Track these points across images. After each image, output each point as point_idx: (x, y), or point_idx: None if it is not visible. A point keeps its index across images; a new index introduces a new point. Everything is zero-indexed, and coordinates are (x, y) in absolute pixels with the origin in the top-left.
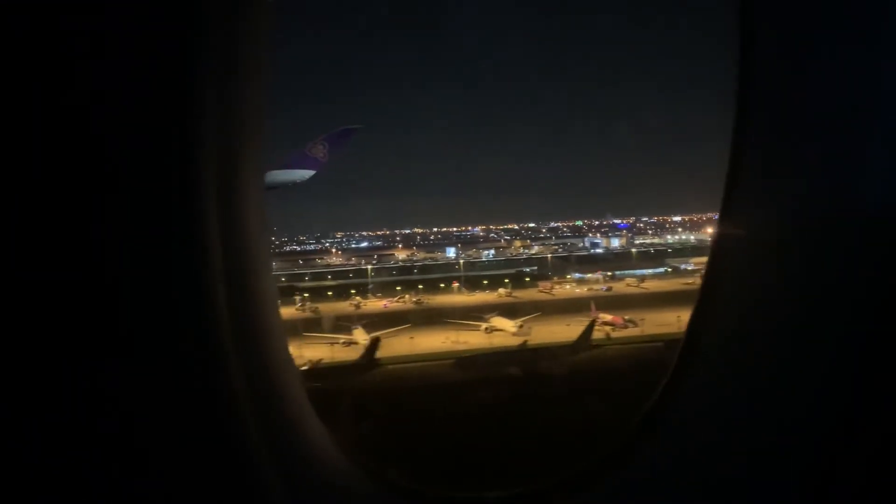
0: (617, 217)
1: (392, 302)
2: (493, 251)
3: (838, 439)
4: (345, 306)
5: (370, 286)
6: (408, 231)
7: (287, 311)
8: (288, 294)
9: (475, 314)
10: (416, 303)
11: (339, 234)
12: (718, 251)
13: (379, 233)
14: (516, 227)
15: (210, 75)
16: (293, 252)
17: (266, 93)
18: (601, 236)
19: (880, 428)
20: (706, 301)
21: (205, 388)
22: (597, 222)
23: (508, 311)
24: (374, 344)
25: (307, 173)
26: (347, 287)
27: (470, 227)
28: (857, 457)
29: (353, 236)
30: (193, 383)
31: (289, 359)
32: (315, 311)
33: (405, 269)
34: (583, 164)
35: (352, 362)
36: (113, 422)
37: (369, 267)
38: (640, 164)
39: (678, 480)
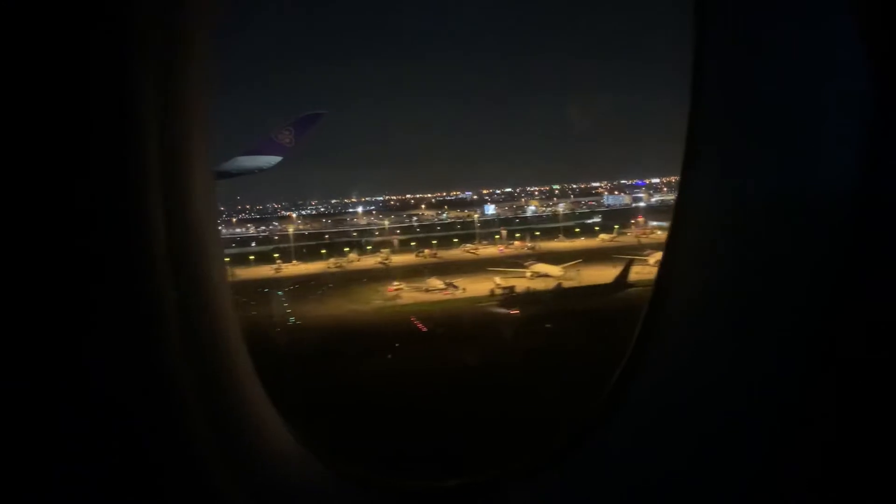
0: (595, 180)
1: (506, 248)
2: (534, 207)
3: (796, 411)
4: (459, 253)
5: (475, 235)
6: (381, 198)
7: (407, 259)
8: (374, 248)
9: (616, 254)
10: (530, 248)
11: (314, 202)
12: (676, 228)
13: (353, 200)
14: (497, 192)
15: (150, 55)
16: (329, 213)
17: (212, 73)
18: (617, 193)
19: (836, 398)
20: (665, 279)
21: (148, 373)
22: (574, 185)
23: (628, 253)
24: (628, 267)
25: (274, 159)
26: (441, 238)
27: (462, 192)
28: (815, 429)
29: (331, 204)
30: (136, 368)
31: (240, 343)
32: (434, 256)
33: (473, 223)
34: (546, 132)
35: (609, 284)
36: (46, 410)
37: (475, 218)
38: (605, 131)
39: (640, 460)
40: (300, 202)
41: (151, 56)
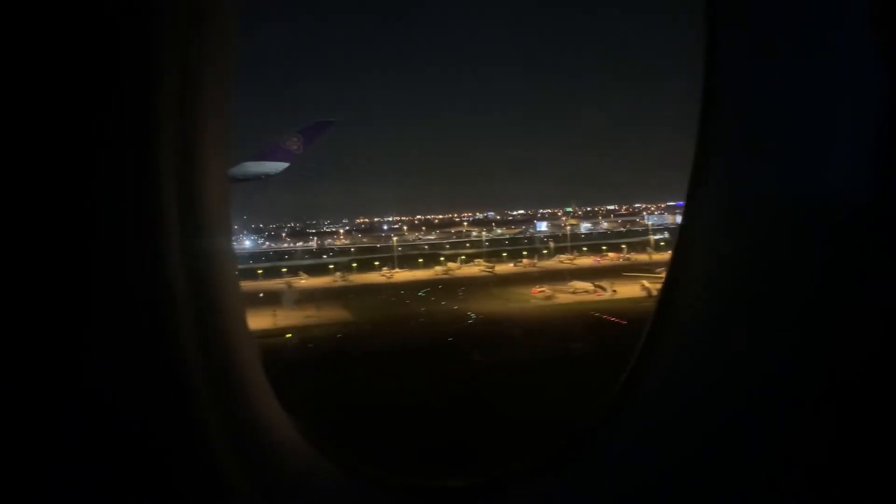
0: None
1: (601, 259)
2: (589, 224)
3: (800, 414)
4: (554, 263)
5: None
6: (389, 219)
7: (507, 268)
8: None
9: None
10: (625, 259)
11: (327, 221)
12: (685, 232)
13: (365, 220)
14: (512, 213)
15: (167, 56)
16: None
17: (229, 76)
18: (657, 213)
19: (840, 400)
20: (673, 282)
21: (160, 368)
22: (588, 208)
23: None
24: None
25: (281, 165)
26: (528, 251)
27: (474, 213)
28: (817, 431)
29: (342, 223)
30: (147, 366)
31: (249, 339)
32: (534, 265)
33: (541, 238)
34: (549, 153)
35: None
36: (59, 398)
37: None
38: (610, 153)
39: (642, 462)
40: (310, 221)
41: (168, 58)
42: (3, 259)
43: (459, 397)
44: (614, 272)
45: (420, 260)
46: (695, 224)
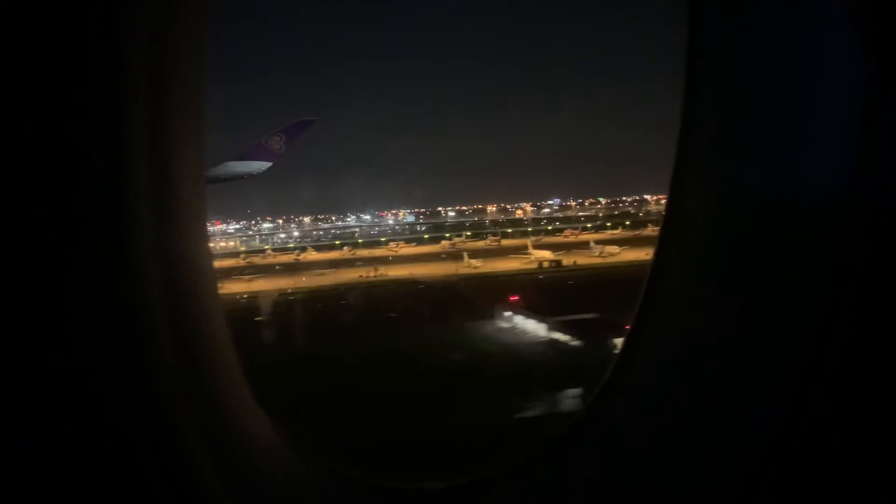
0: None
1: None
2: None
3: (789, 414)
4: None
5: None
6: (407, 210)
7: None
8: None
9: None
10: None
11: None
12: (667, 227)
13: (385, 213)
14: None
15: (140, 53)
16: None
17: (203, 75)
18: None
19: (830, 401)
20: (656, 275)
21: (131, 364)
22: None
23: None
24: None
25: (263, 165)
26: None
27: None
28: (807, 430)
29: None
30: (123, 365)
31: (226, 338)
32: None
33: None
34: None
35: None
36: (35, 411)
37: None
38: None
39: (628, 458)
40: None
41: (141, 54)
42: None
43: None
44: None
45: (627, 223)
46: (678, 217)
